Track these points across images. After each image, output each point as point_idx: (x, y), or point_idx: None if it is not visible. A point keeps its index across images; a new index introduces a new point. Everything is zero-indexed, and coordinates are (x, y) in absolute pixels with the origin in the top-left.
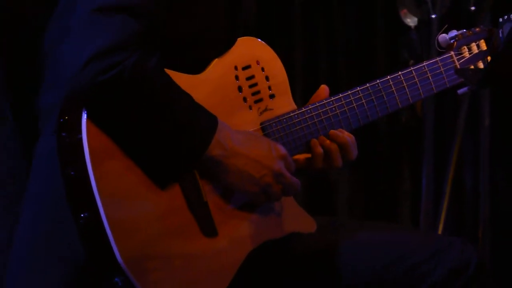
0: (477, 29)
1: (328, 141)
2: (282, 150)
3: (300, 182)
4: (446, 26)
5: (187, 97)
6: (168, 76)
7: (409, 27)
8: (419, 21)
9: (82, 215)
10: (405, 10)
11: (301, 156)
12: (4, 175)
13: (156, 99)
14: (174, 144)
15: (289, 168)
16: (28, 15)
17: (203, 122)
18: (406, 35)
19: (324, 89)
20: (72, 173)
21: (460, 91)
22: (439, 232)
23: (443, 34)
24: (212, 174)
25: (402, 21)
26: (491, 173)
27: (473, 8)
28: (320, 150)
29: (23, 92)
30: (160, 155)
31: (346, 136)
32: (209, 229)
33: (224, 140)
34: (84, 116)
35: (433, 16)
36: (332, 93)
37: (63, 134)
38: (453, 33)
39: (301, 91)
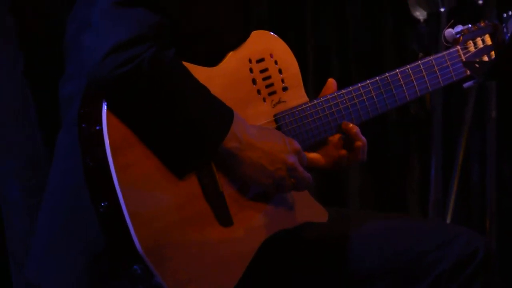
0: (482, 23)
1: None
2: (296, 144)
3: (312, 176)
4: (452, 21)
5: (204, 89)
6: (185, 68)
7: (418, 20)
8: (428, 15)
9: (102, 203)
10: (414, 3)
11: (316, 155)
12: (25, 163)
13: (174, 91)
14: (191, 135)
15: (302, 162)
16: (49, 7)
17: (219, 115)
18: (415, 28)
19: (332, 82)
20: (92, 163)
21: (466, 84)
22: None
23: (450, 29)
24: (228, 165)
25: (411, 15)
26: (498, 165)
27: (480, 2)
28: (359, 143)
29: (45, 81)
30: (177, 146)
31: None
32: (224, 219)
33: (239, 133)
34: (104, 107)
35: (442, 9)
36: (343, 86)
37: (83, 125)
38: (459, 28)
39: (313, 84)
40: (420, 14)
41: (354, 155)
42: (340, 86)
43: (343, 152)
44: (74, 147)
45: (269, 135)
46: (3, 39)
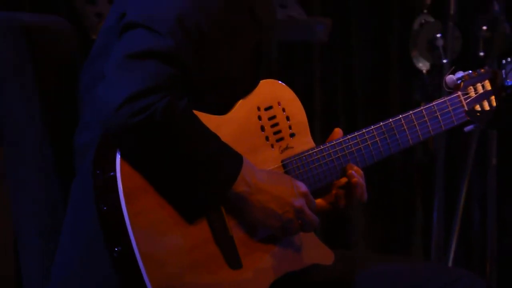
0: (482, 70)
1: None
2: (303, 187)
3: (318, 217)
4: (453, 67)
5: (215, 137)
6: (196, 117)
7: (422, 71)
8: (431, 66)
9: (116, 248)
10: (418, 56)
11: (323, 201)
12: (41, 208)
13: (186, 140)
14: (202, 181)
15: (310, 205)
16: (64, 59)
17: (229, 161)
18: (419, 78)
19: (338, 132)
20: (106, 208)
21: (466, 128)
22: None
23: (451, 75)
24: (237, 209)
25: (415, 66)
26: (498, 209)
27: (482, 53)
28: (357, 180)
29: (61, 131)
30: (189, 191)
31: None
32: (234, 262)
33: (249, 178)
34: (118, 155)
35: (445, 61)
36: (348, 132)
37: (98, 171)
38: (460, 74)
39: (320, 130)
40: (423, 66)
41: (351, 192)
42: (345, 132)
43: (341, 191)
44: (89, 193)
45: (277, 179)
46: (22, 90)
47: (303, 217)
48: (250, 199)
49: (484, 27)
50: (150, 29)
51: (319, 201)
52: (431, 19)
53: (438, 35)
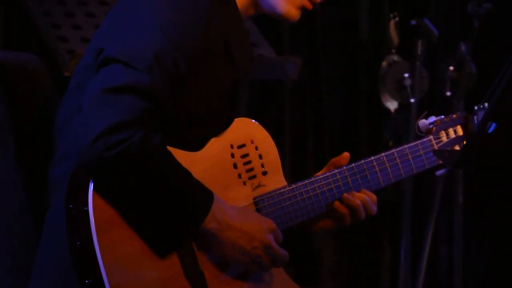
0: (454, 115)
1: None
2: (271, 223)
3: (288, 253)
4: (426, 112)
5: (187, 173)
6: (170, 153)
7: (390, 110)
8: (399, 105)
9: (86, 281)
10: (386, 95)
11: (330, 220)
12: (16, 246)
13: (158, 175)
14: (173, 217)
15: (278, 240)
16: (37, 95)
17: (200, 198)
18: (387, 117)
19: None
20: (78, 242)
21: (438, 172)
22: None
23: (423, 120)
24: (208, 245)
25: (383, 105)
26: (465, 246)
27: (448, 93)
28: (344, 209)
29: (35, 165)
30: (160, 226)
31: (357, 199)
32: None
33: (219, 215)
34: (91, 188)
35: (412, 100)
36: (319, 168)
37: (71, 205)
38: (432, 119)
39: (290, 168)
40: (391, 105)
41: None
42: (315, 170)
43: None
44: (62, 225)
45: (246, 216)
46: None
47: (272, 252)
48: (219, 235)
49: (451, 68)
50: (127, 65)
51: (327, 222)
52: (399, 59)
53: (406, 75)
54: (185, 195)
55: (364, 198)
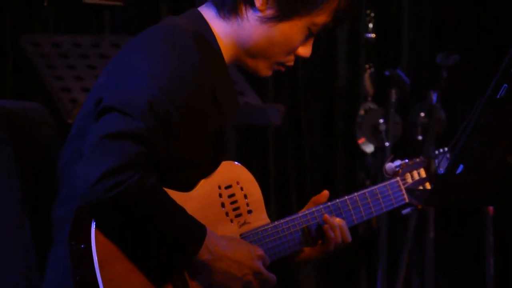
0: (417, 159)
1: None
2: (259, 250)
3: (276, 277)
4: (392, 156)
5: (181, 210)
6: (165, 192)
7: (366, 153)
8: (375, 148)
9: None
10: (363, 139)
11: (314, 250)
12: (21, 278)
13: (156, 212)
14: (169, 250)
15: (265, 264)
16: (42, 141)
17: (194, 232)
18: (363, 159)
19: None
20: (80, 277)
21: (404, 211)
22: None
23: (390, 163)
24: (201, 275)
25: (360, 147)
26: (435, 277)
27: (420, 137)
28: (331, 234)
29: (39, 205)
30: (157, 259)
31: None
32: None
33: (211, 246)
34: (93, 225)
35: (387, 144)
36: (300, 206)
37: (73, 243)
38: (398, 162)
39: (274, 203)
40: (368, 148)
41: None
42: (297, 207)
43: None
44: (65, 261)
45: (236, 245)
46: (3, 169)
47: (261, 277)
48: (212, 265)
49: (422, 114)
50: (123, 113)
51: (308, 253)
52: (375, 107)
53: (381, 121)
54: (181, 229)
55: (341, 221)
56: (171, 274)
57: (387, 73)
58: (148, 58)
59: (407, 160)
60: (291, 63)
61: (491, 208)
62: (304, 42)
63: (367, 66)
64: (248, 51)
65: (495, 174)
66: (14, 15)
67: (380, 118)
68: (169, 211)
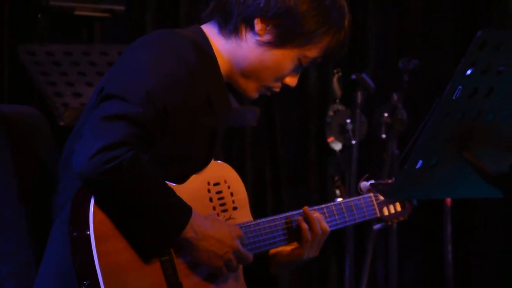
0: (390, 181)
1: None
2: (238, 230)
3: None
4: (366, 175)
5: (170, 190)
6: (156, 171)
7: (335, 151)
8: (343, 146)
9: (85, 282)
10: (332, 138)
11: (282, 251)
12: (18, 269)
13: (147, 188)
14: (157, 226)
15: (243, 243)
16: (37, 142)
17: (181, 211)
18: (333, 156)
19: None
20: (79, 250)
21: (375, 226)
22: None
23: (364, 182)
24: (185, 252)
25: (330, 146)
26: (399, 266)
27: (384, 136)
28: (305, 225)
29: (35, 203)
30: (146, 235)
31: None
32: None
33: (196, 226)
34: (92, 203)
35: (353, 142)
36: (275, 202)
37: (73, 223)
38: (371, 181)
39: (252, 199)
40: (336, 146)
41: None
42: (272, 205)
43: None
44: (65, 238)
45: (218, 225)
46: (2, 170)
47: (239, 254)
48: (196, 243)
49: (386, 114)
50: (123, 99)
51: (291, 250)
52: (343, 108)
53: (348, 121)
54: (169, 206)
55: (319, 215)
56: (159, 250)
57: (353, 77)
58: (147, 56)
59: (380, 181)
60: (278, 90)
61: (449, 200)
62: (292, 72)
63: (335, 71)
64: (241, 70)
65: (453, 168)
66: (11, 26)
67: (348, 118)
68: (159, 188)
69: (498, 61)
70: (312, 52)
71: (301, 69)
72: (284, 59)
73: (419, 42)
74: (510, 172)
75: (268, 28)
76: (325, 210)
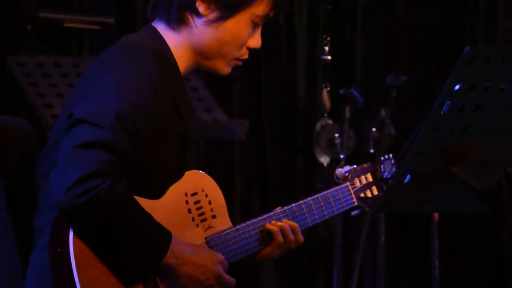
0: (365, 165)
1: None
2: (220, 256)
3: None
4: (342, 162)
5: (149, 216)
6: (134, 199)
7: (323, 164)
8: (330, 160)
9: None
10: (320, 151)
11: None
12: (4, 279)
13: (125, 217)
14: (138, 254)
15: (225, 269)
16: (25, 153)
17: (161, 238)
18: (321, 170)
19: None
20: (58, 279)
21: (353, 212)
22: None
23: (340, 169)
24: (169, 278)
25: (318, 160)
26: (385, 278)
27: (372, 150)
28: (280, 238)
29: (22, 212)
30: (127, 262)
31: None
32: None
33: (177, 252)
34: (71, 231)
35: (342, 156)
36: (263, 211)
37: (52, 248)
38: (347, 168)
39: (239, 211)
40: (324, 160)
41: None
42: (259, 213)
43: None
44: (45, 263)
45: (199, 251)
46: None
47: (222, 280)
48: (178, 269)
49: (374, 129)
50: (93, 124)
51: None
52: (331, 122)
53: (336, 135)
54: (148, 235)
55: (292, 224)
56: (142, 277)
57: (342, 91)
58: (110, 72)
59: (355, 166)
60: (246, 56)
61: (436, 214)
62: (252, 34)
63: (324, 85)
64: (203, 54)
65: (440, 183)
66: (0, 37)
67: (336, 133)
68: (137, 217)
69: (486, 77)
70: (261, 9)
71: (259, 27)
72: (238, 27)
73: (406, 58)
74: (497, 187)
75: (211, 5)
76: (303, 205)
